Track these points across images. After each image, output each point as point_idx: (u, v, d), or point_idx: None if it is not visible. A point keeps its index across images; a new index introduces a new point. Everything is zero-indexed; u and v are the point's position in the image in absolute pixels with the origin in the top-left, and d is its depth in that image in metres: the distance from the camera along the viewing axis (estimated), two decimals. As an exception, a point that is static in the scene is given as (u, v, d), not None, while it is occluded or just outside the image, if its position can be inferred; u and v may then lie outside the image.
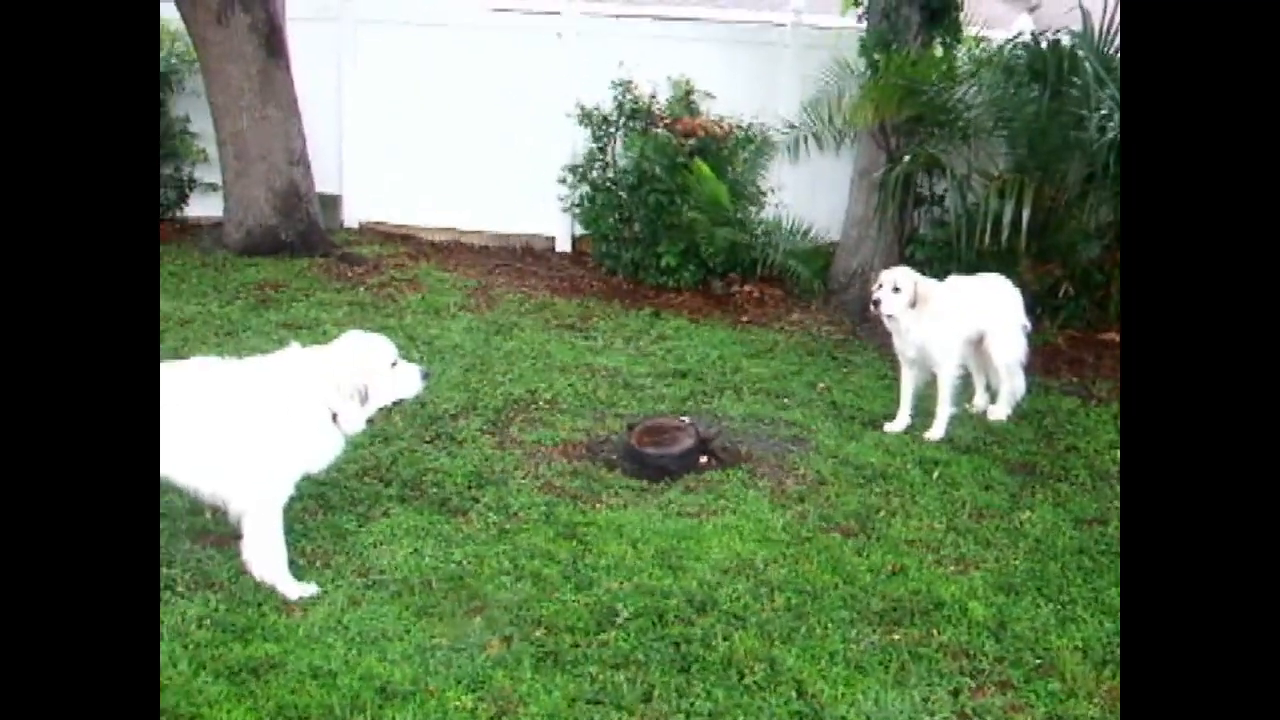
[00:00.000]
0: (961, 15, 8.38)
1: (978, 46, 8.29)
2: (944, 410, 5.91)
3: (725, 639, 3.74)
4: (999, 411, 6.23)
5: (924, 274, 6.16)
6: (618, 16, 9.88)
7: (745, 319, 8.41)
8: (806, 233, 9.11)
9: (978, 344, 6.14)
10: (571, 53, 9.59)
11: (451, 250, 9.88)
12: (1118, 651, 3.81)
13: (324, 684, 3.32)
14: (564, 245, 10.02)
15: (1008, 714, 3.44)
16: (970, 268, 6.75)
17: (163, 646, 3.46)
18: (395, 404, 4.18)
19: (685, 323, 8.18)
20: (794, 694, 3.44)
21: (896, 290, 5.66)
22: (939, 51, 8.09)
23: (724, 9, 10.99)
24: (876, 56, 7.96)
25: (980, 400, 6.38)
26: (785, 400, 6.46)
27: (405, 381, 3.97)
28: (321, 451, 3.87)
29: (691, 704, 3.36)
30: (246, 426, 3.68)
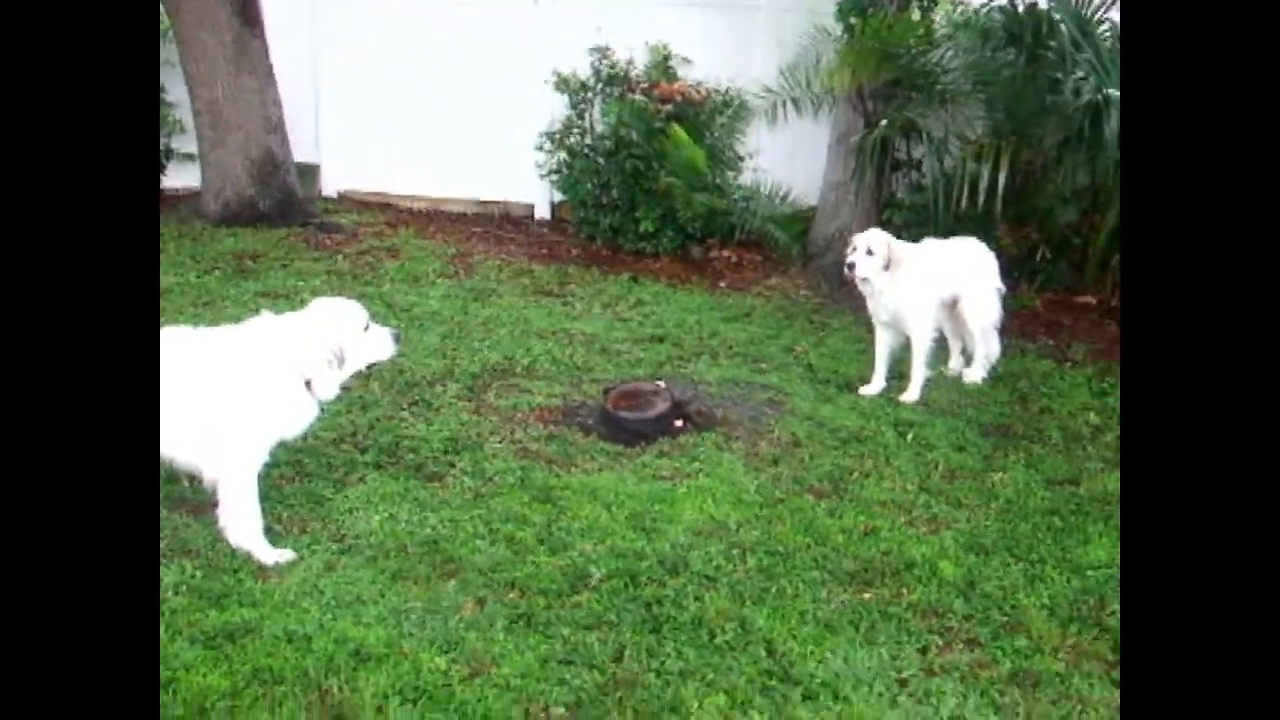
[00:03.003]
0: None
1: (955, 10, 8.26)
2: (918, 373, 5.95)
3: (697, 599, 3.79)
4: (974, 374, 6.28)
5: (901, 238, 6.19)
6: (594, -19, 9.79)
7: (723, 284, 8.43)
8: (785, 197, 9.09)
9: (952, 307, 6.18)
10: (548, 19, 9.50)
11: (430, 218, 9.85)
12: (1083, 609, 3.88)
13: (299, 647, 3.35)
14: (543, 212, 10.00)
15: (974, 670, 3.49)
16: (948, 232, 6.76)
17: (138, 613, 3.48)
18: (370, 367, 4.20)
19: (663, 288, 8.19)
20: (763, 653, 3.49)
21: (870, 253, 5.69)
22: (916, 15, 8.05)
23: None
24: (853, 20, 7.94)
25: (955, 363, 6.42)
26: (761, 364, 6.49)
27: (378, 344, 3.98)
28: (295, 418, 3.89)
29: (662, 663, 3.41)
30: (219, 394, 3.69)
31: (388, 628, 3.50)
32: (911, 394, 5.94)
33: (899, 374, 6.10)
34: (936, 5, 8.25)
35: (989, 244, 6.43)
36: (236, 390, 3.70)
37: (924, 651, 3.58)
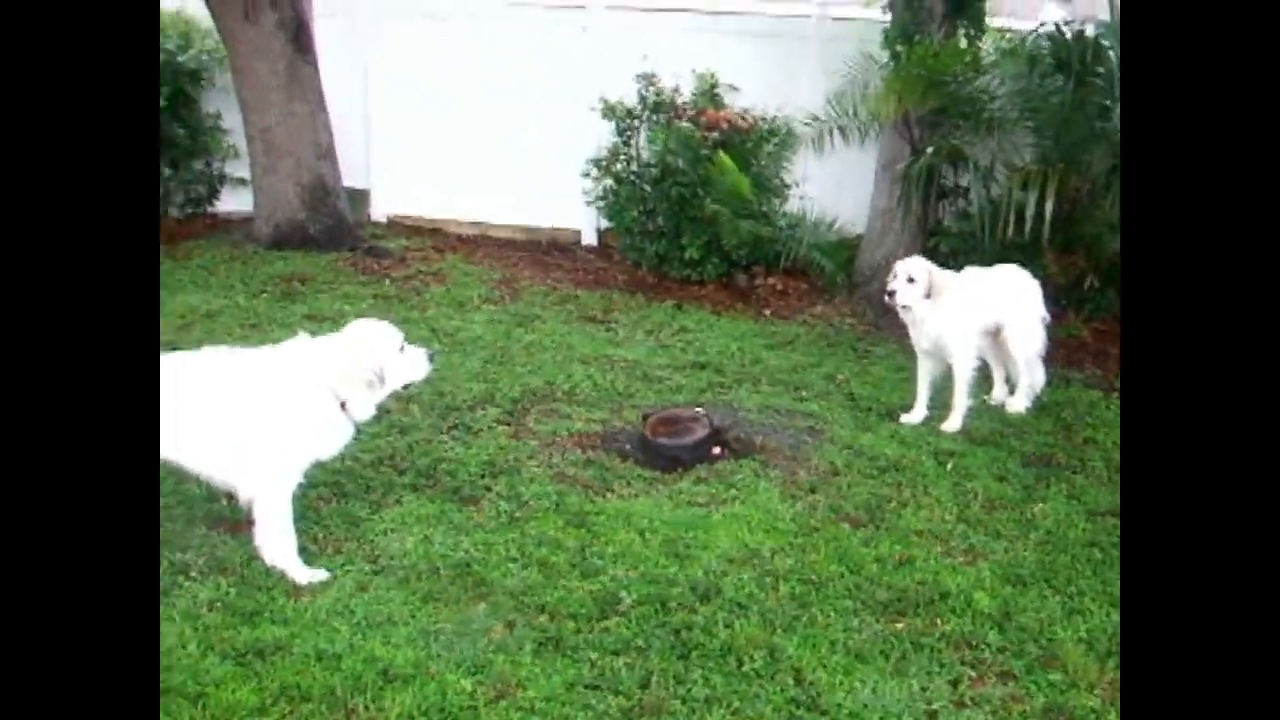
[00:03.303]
0: (987, 4, 8.33)
1: (1003, 37, 8.21)
2: (960, 402, 5.89)
3: (727, 627, 3.77)
4: (1018, 403, 6.19)
5: (947, 266, 6.14)
6: (642, 10, 9.87)
7: (768, 312, 8.42)
8: (832, 225, 9.07)
9: (996, 336, 6.12)
10: (596, 46, 9.61)
11: (478, 243, 9.95)
12: (1119, 643, 3.79)
13: (328, 666, 3.39)
14: (590, 239, 10.06)
15: (1006, 704, 3.43)
16: (994, 260, 6.70)
17: (173, 628, 3.54)
18: (405, 388, 4.23)
19: (707, 315, 8.19)
20: (791, 681, 3.47)
21: (911, 281, 5.65)
22: (963, 43, 8.02)
23: (748, 2, 10.95)
24: (899, 48, 7.92)
25: (999, 392, 6.35)
26: (803, 392, 6.46)
27: (414, 365, 4.03)
28: (330, 439, 3.94)
29: (689, 690, 3.39)
30: (255, 415, 3.75)
31: (416, 649, 3.52)
32: (953, 423, 5.87)
33: (942, 403, 6.03)
34: (984, 32, 8.21)
35: (1036, 272, 6.36)
36: (271, 411, 3.76)
37: (955, 684, 3.53)
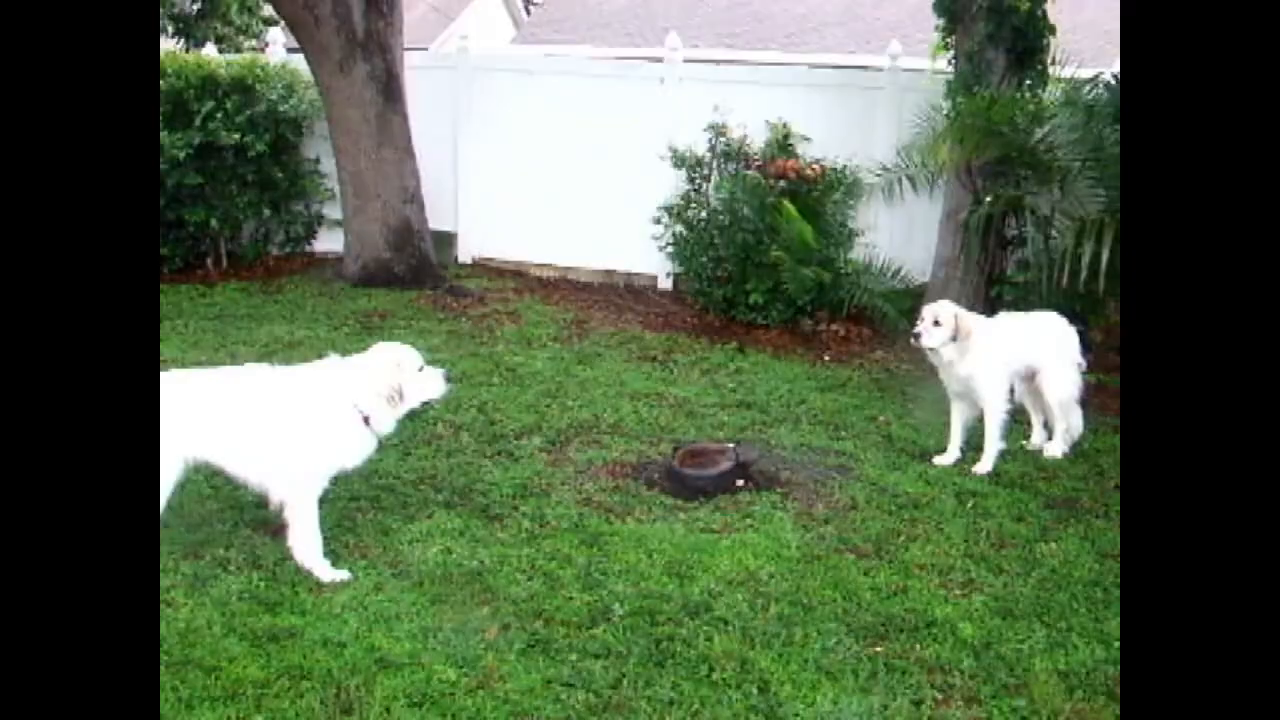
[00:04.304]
0: (1054, 55, 8.42)
1: (1068, 87, 8.28)
2: (992, 445, 5.97)
3: (707, 640, 3.98)
4: (1055, 449, 6.24)
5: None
6: (718, 62, 10.29)
7: (827, 356, 8.59)
8: (897, 272, 9.22)
9: (1031, 380, 6.19)
10: (673, 98, 10.02)
11: (556, 286, 10.40)
12: (1098, 677, 3.86)
13: (331, 652, 3.73)
14: (665, 283, 10.40)
15: (965, 725, 3.56)
16: (1054, 309, 6.74)
17: (204, 612, 3.95)
18: (424, 405, 4.59)
19: (766, 358, 8.41)
20: (756, 690, 3.66)
21: (937, 324, 5.80)
22: (1025, 93, 8.13)
23: (821, 54, 11.26)
24: (959, 99, 8.09)
25: (1037, 437, 6.40)
26: (841, 431, 6.63)
27: (430, 384, 4.39)
28: (354, 450, 4.32)
29: (655, 692, 3.61)
30: (286, 426, 4.16)
31: (414, 642, 3.84)
32: (984, 465, 5.96)
33: (977, 445, 6.12)
34: (1046, 84, 8.31)
35: (1096, 321, 6.39)
36: (301, 423, 4.17)
37: (918, 704, 3.66)
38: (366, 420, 4.26)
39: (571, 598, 4.28)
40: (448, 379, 4.46)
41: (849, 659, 3.91)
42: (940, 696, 3.72)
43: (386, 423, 4.31)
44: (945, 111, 8.33)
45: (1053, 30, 8.32)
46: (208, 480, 4.99)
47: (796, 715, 3.53)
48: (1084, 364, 6.21)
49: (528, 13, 24.89)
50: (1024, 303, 7.91)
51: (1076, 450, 6.29)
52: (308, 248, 10.37)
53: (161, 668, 3.57)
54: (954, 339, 5.80)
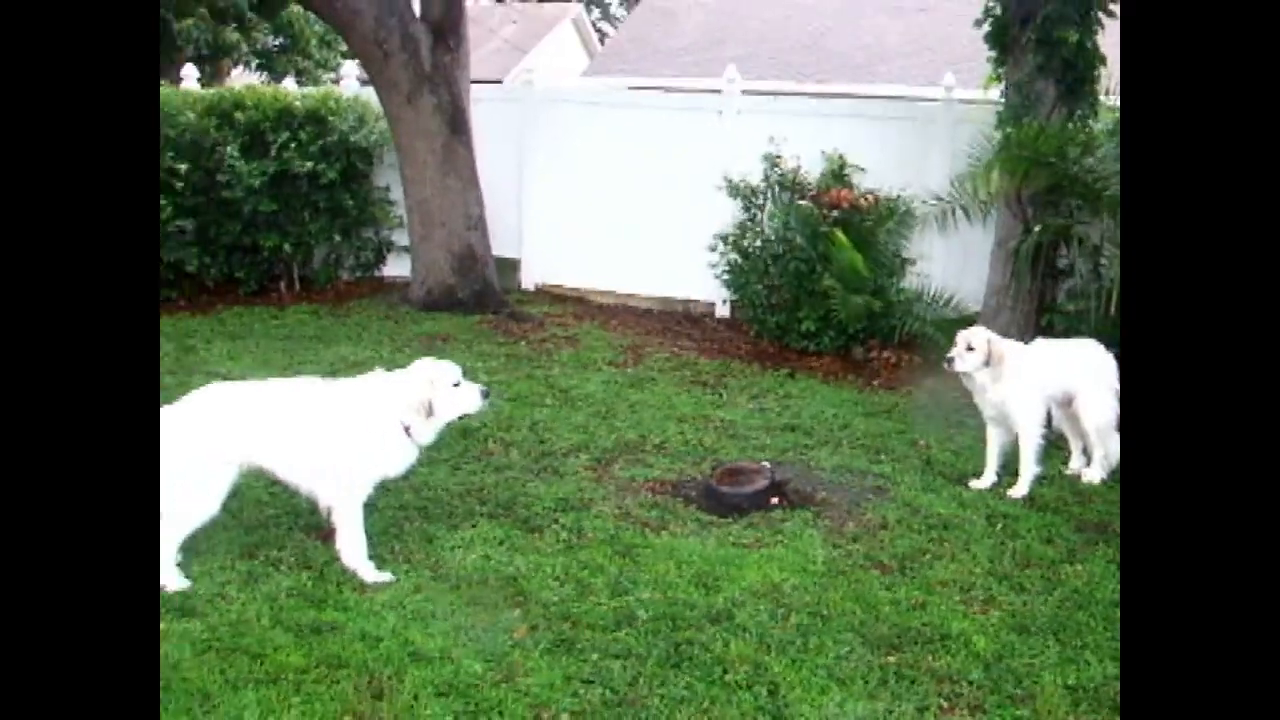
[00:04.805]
0: (1108, 86, 8.48)
1: (1115, 117, 8.33)
2: (1027, 469, 6.05)
3: (724, 645, 4.15)
4: (1093, 474, 6.28)
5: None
6: (775, 94, 10.51)
7: (877, 382, 8.70)
8: (949, 301, 9.30)
9: (1068, 406, 6.26)
10: (730, 129, 10.26)
11: (616, 312, 10.67)
12: (1106, 692, 3.95)
13: (368, 645, 4.00)
14: (722, 310, 10.61)
15: (967, 731, 3.68)
16: (1104, 338, 6.78)
17: (254, 606, 4.26)
18: (461, 418, 4.85)
19: (816, 384, 8.55)
20: (766, 692, 3.82)
21: (970, 349, 5.91)
22: (1072, 124, 8.21)
23: (888, 86, 11.41)
24: (1008, 130, 8.19)
25: (1076, 463, 6.45)
26: (881, 455, 6.75)
27: (466, 399, 4.64)
28: (395, 459, 4.60)
29: (669, 690, 3.80)
30: (331, 434, 4.46)
31: (446, 638, 4.09)
32: (1020, 489, 6.04)
33: (1014, 470, 6.20)
34: (1097, 114, 8.37)
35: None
36: (345, 432, 4.46)
37: (923, 710, 3.79)
38: (408, 431, 4.53)
39: (600, 603, 4.49)
40: (485, 395, 4.71)
41: (861, 667, 4.06)
42: (946, 705, 3.84)
43: (426, 434, 4.59)
44: (995, 142, 8.42)
45: (1103, 60, 8.38)
46: (266, 488, 5.32)
47: (802, 716, 3.69)
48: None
49: (601, 43, 25.41)
50: (1074, 332, 7.92)
51: (1115, 477, 6.32)
52: (377, 273, 10.82)
53: (212, 653, 3.88)
54: (987, 364, 5.91)
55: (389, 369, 4.86)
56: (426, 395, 4.47)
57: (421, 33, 9.46)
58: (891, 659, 4.15)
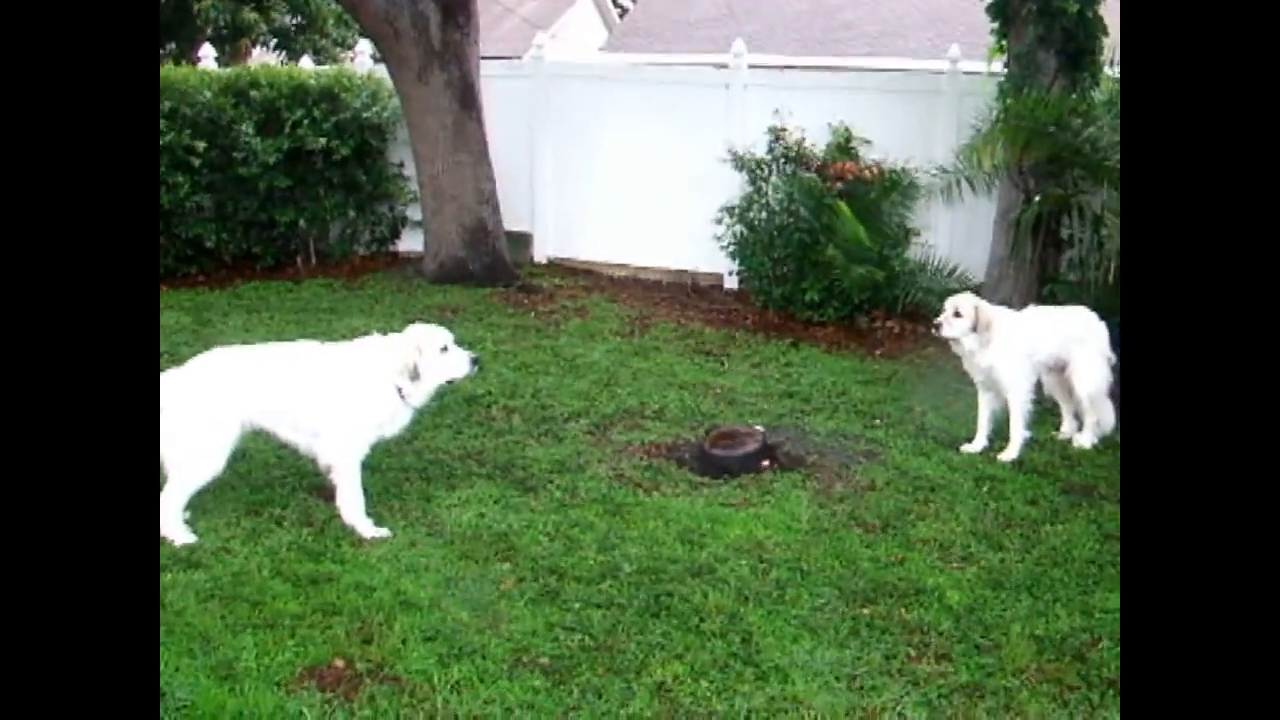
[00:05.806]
0: (1111, 56, 8.50)
1: (1114, 87, 8.36)
2: (1016, 434, 6.16)
3: (703, 596, 4.32)
4: (1084, 440, 6.39)
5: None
6: (782, 68, 10.57)
7: (879, 351, 8.80)
8: (953, 272, 9.36)
9: (1060, 373, 6.36)
10: (738, 103, 10.34)
11: (625, 285, 10.80)
12: (1072, 643, 4.08)
13: (362, 594, 4.20)
14: (730, 282, 10.71)
15: (931, 678, 3.81)
16: (1105, 308, 6.86)
17: (255, 559, 4.47)
18: (449, 383, 5.02)
19: (819, 353, 8.67)
20: (739, 640, 3.99)
21: (958, 315, 6.02)
22: (1073, 94, 8.24)
23: (904, 59, 11.43)
24: (1009, 100, 8.25)
25: (1068, 428, 6.56)
26: (875, 420, 6.87)
27: (454, 364, 4.82)
28: (388, 420, 4.80)
29: (646, 638, 3.98)
30: (327, 396, 4.66)
31: (437, 589, 4.28)
32: (1010, 453, 6.15)
33: (1006, 434, 6.31)
34: (1098, 84, 8.40)
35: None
36: (342, 394, 4.66)
37: (890, 658, 3.94)
38: (401, 393, 4.72)
39: (586, 557, 4.67)
40: (474, 362, 4.88)
41: (834, 618, 4.22)
42: (914, 653, 4.00)
43: (417, 396, 4.77)
44: (996, 113, 8.47)
45: (1105, 31, 8.39)
46: (274, 451, 5.53)
47: (772, 662, 3.85)
48: (1114, 358, 6.34)
49: (621, 19, 25.42)
50: (1076, 301, 8.00)
51: (1106, 443, 6.42)
52: (392, 247, 11.02)
53: (214, 601, 4.09)
54: (974, 330, 6.02)
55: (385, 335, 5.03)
56: (413, 359, 4.64)
57: (431, 10, 9.59)
58: (865, 611, 4.30)
